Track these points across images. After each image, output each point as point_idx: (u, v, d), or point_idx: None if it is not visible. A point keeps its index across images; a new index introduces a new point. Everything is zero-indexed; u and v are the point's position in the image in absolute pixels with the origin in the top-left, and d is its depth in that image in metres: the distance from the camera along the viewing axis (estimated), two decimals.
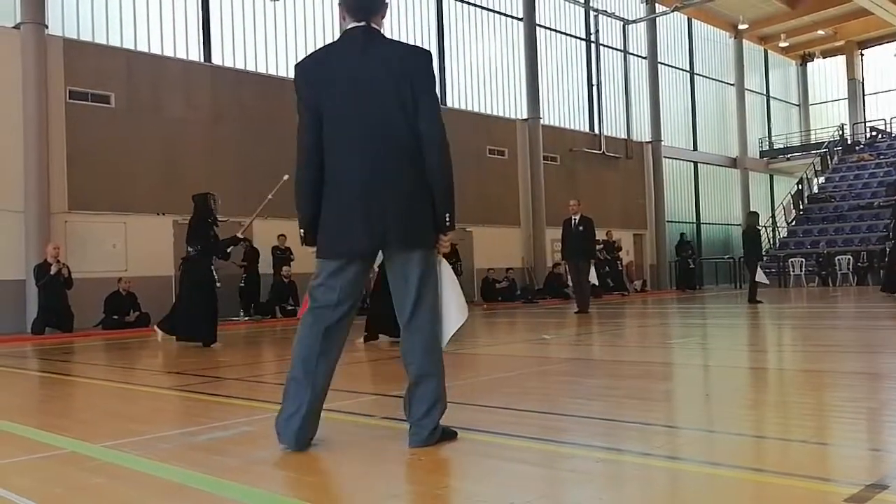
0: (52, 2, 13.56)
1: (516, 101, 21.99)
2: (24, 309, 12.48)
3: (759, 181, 32.56)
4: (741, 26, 29.93)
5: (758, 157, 32.46)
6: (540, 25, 22.56)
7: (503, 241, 20.47)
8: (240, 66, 15.96)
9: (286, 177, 8.26)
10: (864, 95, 34.90)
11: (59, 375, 6.87)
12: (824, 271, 23.69)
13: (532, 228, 21.24)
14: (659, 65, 26.56)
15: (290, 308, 14.54)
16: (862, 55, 34.80)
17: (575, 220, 13.07)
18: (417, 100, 3.03)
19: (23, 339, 11.38)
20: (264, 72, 16.28)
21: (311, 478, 2.77)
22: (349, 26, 3.12)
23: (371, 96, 3.02)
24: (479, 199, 19.99)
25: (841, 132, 32.71)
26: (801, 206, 28.83)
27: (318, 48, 3.24)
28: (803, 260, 24.17)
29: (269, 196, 8.66)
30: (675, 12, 26.49)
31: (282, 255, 14.94)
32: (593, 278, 13.24)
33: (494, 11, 21.76)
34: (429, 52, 3.20)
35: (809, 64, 35.56)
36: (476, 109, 20.87)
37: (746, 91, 31.42)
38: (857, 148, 31.94)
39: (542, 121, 21.82)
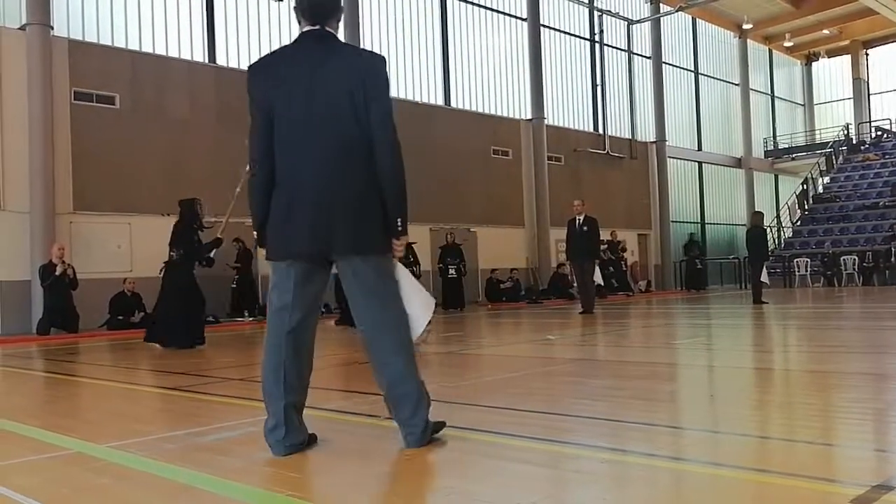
0: (58, 3, 13.60)
1: (520, 101, 21.99)
2: (29, 309, 12.52)
3: (764, 181, 32.50)
4: (746, 26, 29.88)
5: (762, 156, 32.40)
6: (544, 25, 22.55)
7: (507, 241, 20.47)
8: (244, 66, 15.95)
9: (247, 169, 8.32)
10: (869, 95, 34.81)
11: (65, 376, 6.89)
12: (829, 271, 23.63)
13: (536, 229, 21.24)
14: (663, 65, 26.53)
15: None
16: (867, 55, 34.71)
17: (579, 220, 13.05)
18: (370, 103, 3.02)
19: (28, 339, 11.42)
20: None
21: (315, 479, 2.77)
22: (304, 29, 3.14)
23: (324, 99, 3.02)
24: (483, 200, 20.00)
25: (846, 132, 32.62)
26: (806, 206, 28.76)
27: (271, 50, 3.24)
28: (808, 260, 24.11)
29: (237, 189, 8.66)
30: (680, 12, 26.45)
31: None
32: (598, 278, 13.22)
33: (498, 12, 21.76)
34: (382, 57, 3.21)
35: (814, 63, 35.47)
36: (480, 110, 20.88)
37: (751, 91, 31.36)
38: (862, 147, 31.85)
39: (546, 121, 21.82)
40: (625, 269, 21.52)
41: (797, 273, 23.94)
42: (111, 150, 13.65)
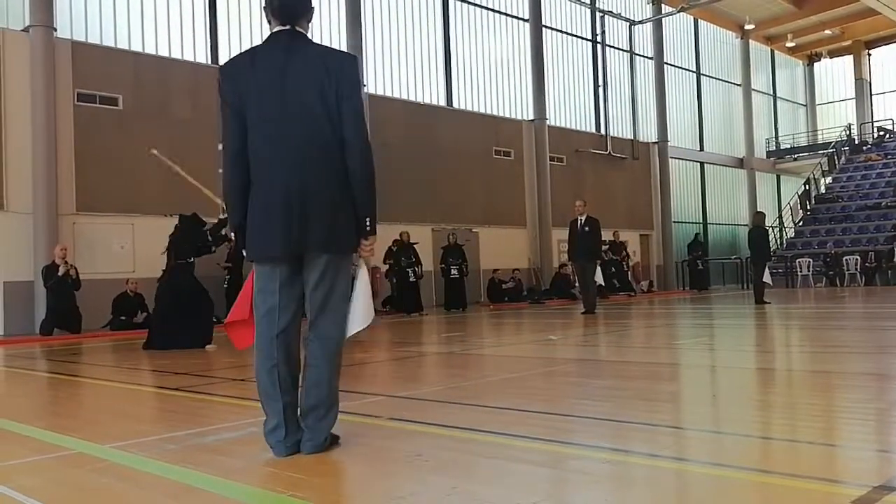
0: (61, 5, 13.62)
1: (522, 101, 21.99)
2: (32, 310, 12.54)
3: (766, 181, 32.47)
4: (748, 26, 29.86)
5: (765, 157, 32.36)
6: (546, 26, 22.56)
7: (509, 241, 20.47)
8: None
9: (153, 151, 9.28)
10: (871, 95, 34.75)
11: (68, 376, 6.90)
12: (832, 271, 23.60)
13: (538, 229, 21.24)
14: (665, 65, 26.52)
15: None
16: (869, 55, 34.66)
17: (581, 220, 13.05)
18: (341, 102, 3.03)
19: (31, 340, 11.44)
20: None
21: (317, 479, 2.77)
22: (275, 29, 3.12)
23: (296, 100, 3.02)
24: (485, 200, 20.01)
25: (848, 132, 32.58)
26: (809, 207, 28.73)
27: (242, 51, 3.24)
28: (811, 260, 24.08)
29: (178, 170, 8.73)
30: (682, 13, 26.44)
31: None
32: (599, 279, 13.22)
33: (500, 13, 21.77)
34: (354, 57, 3.23)
35: (816, 64, 35.43)
36: (482, 110, 20.88)
37: (753, 91, 31.33)
38: (864, 148, 31.81)
39: (548, 121, 21.82)
40: (627, 269, 21.51)
41: (799, 273, 23.91)
42: (114, 151, 13.68)
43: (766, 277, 14.30)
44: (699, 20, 28.97)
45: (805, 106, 35.71)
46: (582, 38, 24.41)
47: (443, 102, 20.02)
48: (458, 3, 20.71)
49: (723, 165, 30.02)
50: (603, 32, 24.68)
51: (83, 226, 13.34)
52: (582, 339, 8.72)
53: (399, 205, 17.18)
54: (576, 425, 3.69)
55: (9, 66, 12.79)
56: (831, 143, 31.95)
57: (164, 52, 15.05)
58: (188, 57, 15.44)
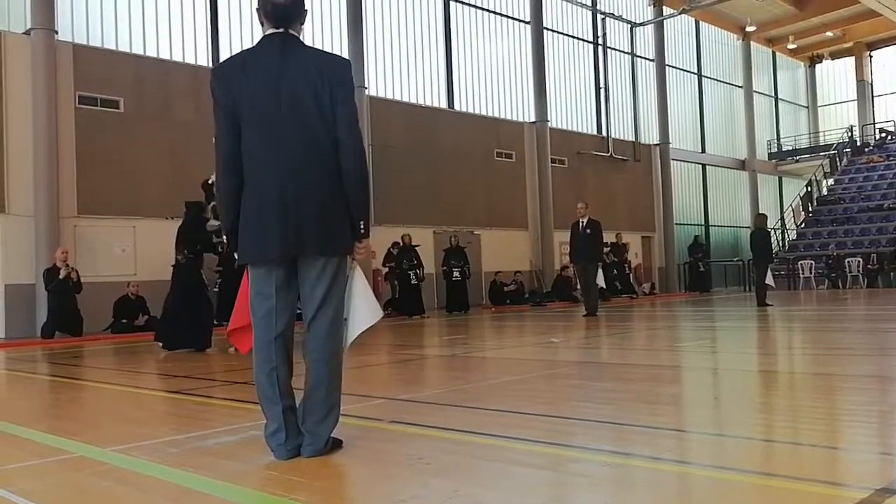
0: (62, 8, 13.64)
1: (524, 103, 21.99)
2: (33, 313, 12.54)
3: (768, 183, 32.44)
4: (749, 28, 29.86)
5: (766, 159, 32.35)
6: (547, 28, 22.57)
7: (511, 243, 20.46)
8: None
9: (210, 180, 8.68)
10: (873, 97, 34.72)
11: (69, 379, 6.90)
12: (834, 273, 23.56)
13: (540, 231, 21.23)
14: (666, 67, 26.50)
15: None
16: (871, 56, 34.64)
17: (582, 222, 13.06)
18: (336, 106, 3.03)
19: (33, 343, 11.44)
20: None
21: (318, 482, 2.77)
22: (268, 32, 3.12)
23: (290, 101, 3.02)
24: (486, 202, 20.01)
25: (850, 134, 32.56)
26: (811, 208, 28.71)
27: (235, 53, 3.24)
28: (813, 262, 24.05)
29: None
30: (683, 14, 26.44)
31: None
32: (600, 281, 13.22)
33: (502, 15, 21.78)
34: (347, 60, 3.23)
35: (818, 65, 35.41)
36: (484, 112, 20.89)
37: (755, 93, 31.32)
38: (866, 149, 31.79)
39: (549, 123, 21.82)
40: (628, 271, 21.50)
41: (801, 275, 23.88)
42: (115, 153, 13.69)
43: (769, 279, 14.28)
44: (700, 22, 28.97)
45: (807, 108, 35.69)
46: (583, 41, 24.41)
47: (444, 104, 20.03)
48: (460, 6, 20.73)
49: (724, 167, 30.00)
50: (604, 34, 24.69)
51: (84, 228, 13.35)
52: (584, 341, 8.71)
53: (400, 207, 17.19)
54: (577, 428, 3.68)
55: (10, 69, 12.80)
56: (833, 144, 31.92)
57: (165, 55, 15.07)
58: (189, 59, 15.46)
